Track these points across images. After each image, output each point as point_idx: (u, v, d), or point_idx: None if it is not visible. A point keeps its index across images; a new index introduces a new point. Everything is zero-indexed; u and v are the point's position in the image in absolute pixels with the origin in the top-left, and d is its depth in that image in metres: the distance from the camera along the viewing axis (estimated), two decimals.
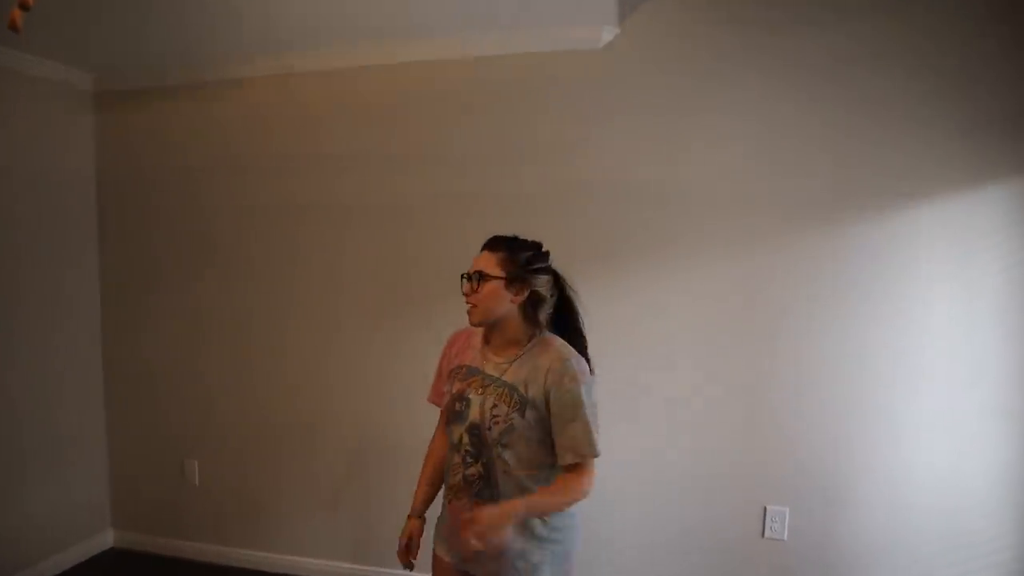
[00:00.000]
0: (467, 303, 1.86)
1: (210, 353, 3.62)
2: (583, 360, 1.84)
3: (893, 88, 2.67)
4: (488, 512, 1.69)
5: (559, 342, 1.86)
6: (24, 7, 1.47)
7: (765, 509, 2.92)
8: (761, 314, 2.88)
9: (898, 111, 2.67)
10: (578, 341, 1.92)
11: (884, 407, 2.78)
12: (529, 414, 1.78)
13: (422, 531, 2.09)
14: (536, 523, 1.81)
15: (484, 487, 1.82)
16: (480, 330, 1.94)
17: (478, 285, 1.83)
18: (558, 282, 1.94)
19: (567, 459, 1.76)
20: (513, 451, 1.79)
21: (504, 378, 1.83)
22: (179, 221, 3.63)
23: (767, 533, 2.92)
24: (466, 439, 1.85)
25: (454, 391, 1.91)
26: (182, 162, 3.59)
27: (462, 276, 1.88)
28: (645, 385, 3.00)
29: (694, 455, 2.98)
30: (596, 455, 1.77)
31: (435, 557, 2.02)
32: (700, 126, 2.88)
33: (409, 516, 2.08)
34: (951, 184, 2.65)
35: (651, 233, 2.96)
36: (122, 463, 3.84)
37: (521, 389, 1.79)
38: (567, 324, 1.94)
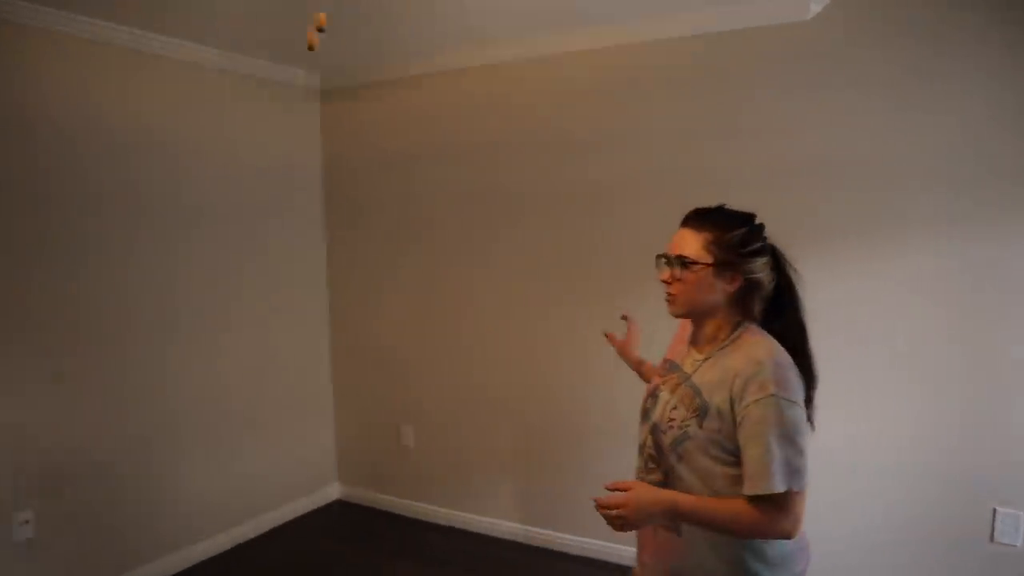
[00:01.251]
0: (666, 292, 1.58)
1: (425, 329, 3.94)
2: (786, 366, 1.45)
3: None
4: (636, 494, 1.47)
5: (760, 339, 1.51)
6: (320, 30, 1.73)
7: (995, 511, 2.68)
8: (992, 298, 2.63)
9: None
10: (797, 336, 1.56)
11: None
12: (708, 424, 1.47)
13: None
14: (746, 556, 1.47)
15: None
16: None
17: (680, 271, 1.54)
18: (777, 263, 1.58)
19: (745, 488, 1.41)
20: (688, 466, 1.50)
21: (693, 378, 1.56)
22: (396, 205, 3.97)
23: (996, 537, 2.68)
24: (649, 441, 1.61)
25: (650, 386, 1.70)
26: (398, 150, 3.92)
27: (659, 257, 1.59)
28: (859, 372, 2.86)
29: (913, 449, 2.80)
30: (774, 491, 1.36)
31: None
32: (919, 96, 2.67)
33: None
34: None
35: (863, 212, 2.80)
36: (346, 425, 4.30)
37: (705, 394, 1.50)
38: (783, 313, 1.57)
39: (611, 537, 3.32)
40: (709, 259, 1.52)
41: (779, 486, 1.36)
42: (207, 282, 3.50)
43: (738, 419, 1.43)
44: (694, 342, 1.63)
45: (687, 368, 1.60)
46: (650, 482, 1.56)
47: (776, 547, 1.48)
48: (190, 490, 3.43)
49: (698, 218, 1.56)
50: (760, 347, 1.48)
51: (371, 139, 4.01)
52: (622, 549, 3.28)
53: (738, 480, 1.43)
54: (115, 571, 3.10)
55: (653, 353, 2.00)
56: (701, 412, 1.49)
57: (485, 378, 3.75)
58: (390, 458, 4.13)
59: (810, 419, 1.50)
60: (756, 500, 1.39)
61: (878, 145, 2.75)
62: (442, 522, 3.94)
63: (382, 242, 4.05)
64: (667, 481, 1.53)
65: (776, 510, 1.38)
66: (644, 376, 1.99)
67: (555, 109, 3.44)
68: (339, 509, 4.23)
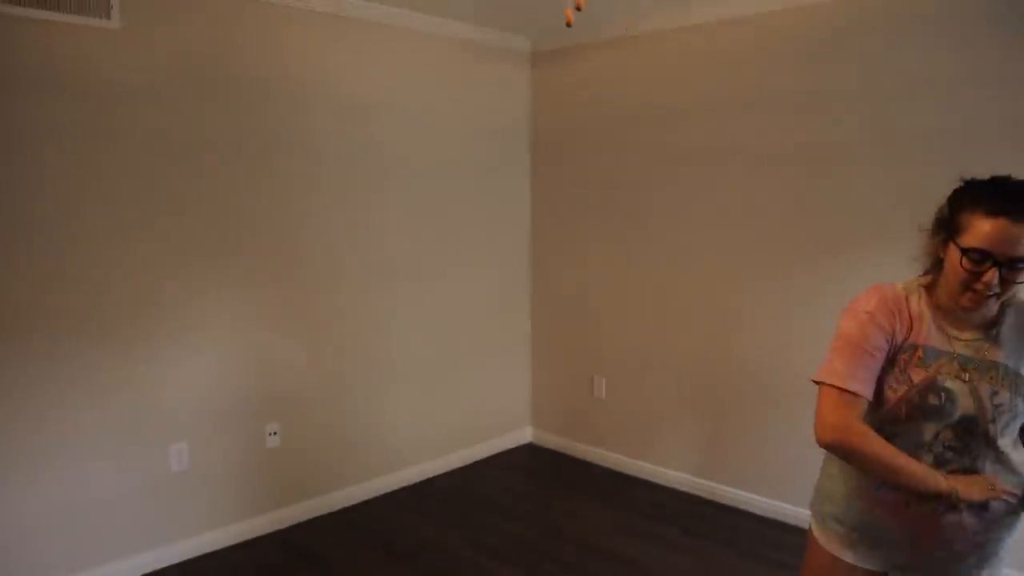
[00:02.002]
0: (984, 294, 1.40)
1: (620, 284, 4.03)
2: None
3: None
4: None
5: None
6: (579, 8, 1.86)
7: None
8: None
9: None
10: None
11: None
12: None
13: None
14: None
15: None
16: (915, 295, 1.53)
17: (1019, 275, 1.37)
18: None
19: None
20: (1009, 438, 1.47)
21: (995, 359, 1.47)
22: (598, 164, 4.06)
23: None
24: (948, 436, 1.47)
25: (918, 381, 1.48)
26: (602, 110, 4.00)
27: (983, 256, 1.36)
28: None
29: None
30: None
31: (845, 568, 1.60)
32: None
33: (951, 491, 1.41)
34: None
35: None
36: (541, 373, 4.53)
37: (1018, 367, 1.46)
38: None
39: (784, 497, 3.34)
40: None
41: None
42: (423, 232, 3.82)
43: None
44: (950, 320, 1.50)
45: (960, 350, 1.48)
46: (948, 472, 1.46)
47: None
48: (400, 423, 3.82)
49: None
50: None
51: (577, 100, 4.11)
52: (788, 508, 3.20)
53: None
54: (339, 483, 3.56)
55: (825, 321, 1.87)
56: (1019, 386, 1.45)
57: (677, 335, 3.77)
58: (582, 407, 4.30)
59: None
60: None
61: None
62: (628, 471, 4.05)
63: (583, 199, 4.16)
64: (971, 467, 1.46)
65: None
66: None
67: (758, 68, 3.33)
68: (530, 451, 4.48)
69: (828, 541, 1.62)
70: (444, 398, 4.05)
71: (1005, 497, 1.41)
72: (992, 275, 1.36)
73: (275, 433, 3.27)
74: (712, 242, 3.60)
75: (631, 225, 3.94)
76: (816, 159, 3.19)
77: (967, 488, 1.39)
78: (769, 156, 3.34)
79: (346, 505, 3.59)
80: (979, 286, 1.38)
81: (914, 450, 1.47)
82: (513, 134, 4.30)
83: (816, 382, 1.50)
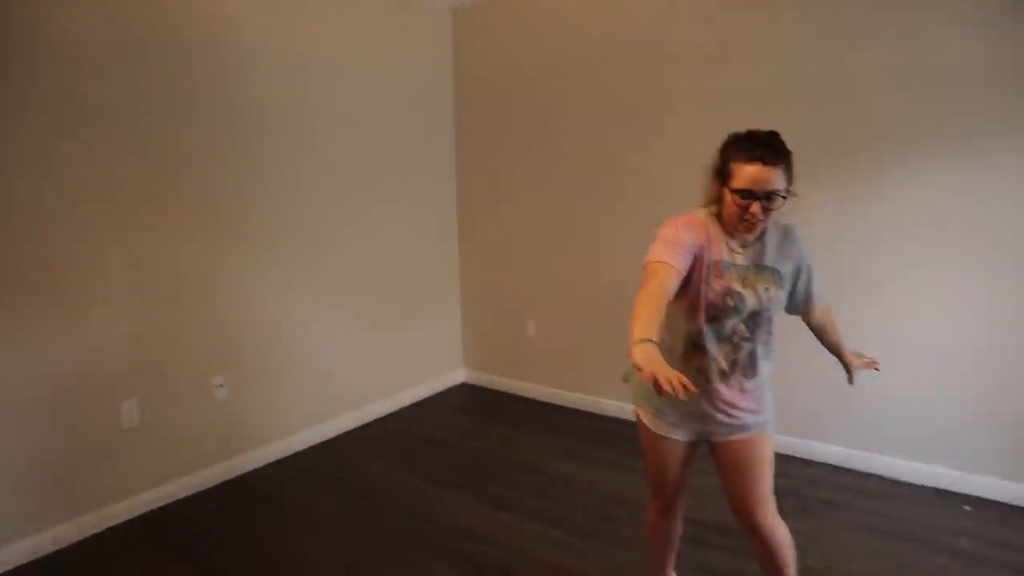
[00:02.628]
0: (753, 222, 1.81)
1: (545, 232, 4.27)
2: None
3: None
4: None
5: (782, 220, 1.92)
6: None
7: None
8: None
9: None
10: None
11: None
12: (785, 286, 1.93)
13: None
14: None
15: (750, 365, 1.96)
16: (711, 221, 1.90)
17: (774, 205, 1.78)
18: None
19: (823, 303, 2.08)
20: (772, 316, 1.94)
21: (765, 263, 1.89)
22: (523, 112, 4.24)
23: None
24: (742, 327, 1.91)
25: (718, 288, 1.87)
26: (524, 61, 4.16)
27: (747, 194, 1.76)
28: (963, 260, 2.98)
29: (1001, 335, 2.93)
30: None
31: (664, 441, 2.06)
32: None
33: (642, 341, 1.52)
34: None
35: (996, 116, 2.84)
36: (471, 317, 4.74)
37: (779, 268, 1.90)
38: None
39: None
40: (786, 187, 1.79)
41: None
42: (353, 185, 3.91)
43: (803, 270, 1.96)
44: (733, 238, 1.89)
45: (741, 262, 1.89)
46: (741, 358, 1.95)
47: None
48: (340, 370, 3.97)
49: (779, 156, 1.76)
50: (788, 222, 1.94)
51: (500, 51, 4.26)
52: None
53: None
54: (287, 430, 3.70)
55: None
56: (781, 282, 1.92)
57: (601, 272, 4.06)
58: (513, 346, 4.56)
59: None
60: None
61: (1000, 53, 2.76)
62: (559, 402, 4.36)
63: (507, 148, 4.35)
64: (754, 350, 1.95)
65: None
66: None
67: (657, 26, 3.57)
68: (465, 390, 4.73)
69: (647, 420, 2.11)
70: (380, 345, 4.22)
71: (646, 381, 1.45)
72: (756, 207, 1.77)
73: (222, 385, 3.36)
74: (632, 185, 3.86)
75: (555, 172, 4.15)
76: (724, 106, 3.47)
77: (643, 359, 1.47)
78: (682, 104, 3.60)
79: (297, 450, 3.74)
80: (748, 216, 1.79)
81: (720, 341, 1.93)
82: (437, 86, 4.41)
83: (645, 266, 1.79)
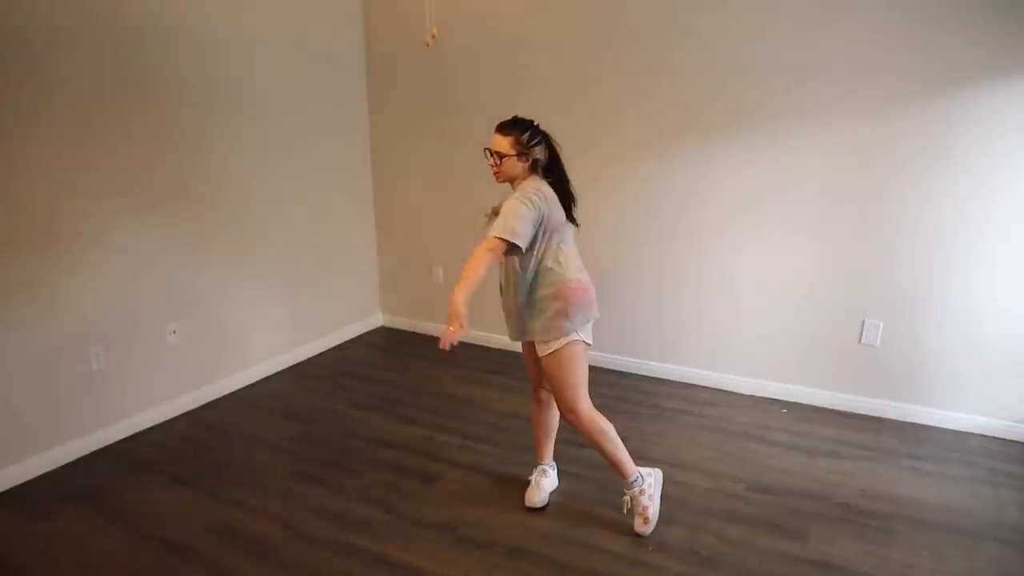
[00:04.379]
0: (493, 169, 2.65)
1: (451, 188, 4.92)
2: (531, 190, 2.55)
3: None
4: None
5: (529, 180, 2.62)
6: (432, 37, 2.87)
7: (863, 321, 3.77)
8: (874, 167, 3.58)
9: (1002, 8, 3.13)
10: (562, 178, 2.68)
11: (966, 248, 3.47)
12: None
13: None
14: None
15: (515, 284, 2.70)
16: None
17: (500, 161, 2.60)
18: (549, 142, 2.66)
19: (490, 235, 2.52)
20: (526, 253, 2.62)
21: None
22: (433, 85, 4.82)
23: (862, 340, 3.79)
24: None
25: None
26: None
27: (486, 150, 2.64)
28: (781, 216, 3.87)
29: (809, 273, 3.86)
30: (499, 236, 2.48)
31: (518, 342, 2.90)
32: (835, 16, 3.47)
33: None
34: None
35: (789, 104, 3.68)
36: (387, 266, 5.40)
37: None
38: (554, 170, 2.68)
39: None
40: (513, 152, 2.60)
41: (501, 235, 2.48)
42: (277, 151, 4.43)
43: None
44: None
45: (492, 210, 2.68)
46: (503, 274, 2.79)
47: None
48: (273, 315, 4.57)
49: (506, 128, 2.61)
50: (529, 183, 2.61)
51: (410, 27, 4.74)
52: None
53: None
54: (230, 369, 4.29)
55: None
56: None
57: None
58: (424, 292, 5.26)
59: (573, 221, 2.71)
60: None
61: (799, 50, 3.58)
62: (465, 340, 5.09)
63: (417, 115, 4.94)
64: (509, 267, 2.72)
65: (485, 244, 2.51)
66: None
67: (553, 11, 4.23)
68: (384, 332, 5.41)
69: None
70: (307, 293, 4.83)
71: (452, 333, 2.38)
72: (490, 160, 2.63)
73: (175, 332, 3.92)
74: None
75: (459, 134, 4.78)
76: (588, 90, 4.20)
77: (452, 307, 2.39)
78: (570, 81, 4.29)
79: (240, 386, 4.35)
80: (490, 166, 2.66)
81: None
82: (351, 62, 4.93)
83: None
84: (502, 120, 2.65)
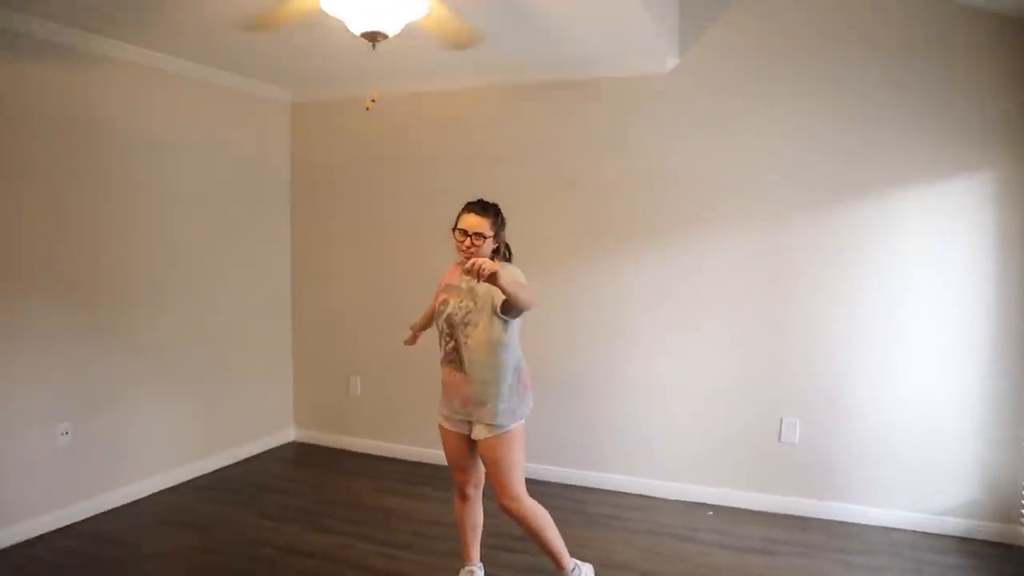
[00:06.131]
0: (468, 251, 2.58)
1: (370, 299, 4.89)
2: (512, 268, 2.65)
3: (888, 101, 3.56)
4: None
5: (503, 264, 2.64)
6: (373, 101, 2.95)
7: (781, 420, 3.87)
8: (783, 272, 3.83)
9: (895, 120, 3.57)
10: (509, 252, 2.79)
11: (877, 346, 3.69)
12: (483, 303, 2.57)
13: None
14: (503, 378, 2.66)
15: (457, 358, 2.62)
16: (459, 262, 2.69)
17: (482, 242, 2.58)
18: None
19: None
20: (473, 328, 2.59)
21: (472, 285, 2.60)
22: (353, 198, 4.90)
23: (781, 438, 3.88)
24: (445, 326, 2.64)
25: (438, 301, 2.72)
26: (355, 153, 4.87)
27: (463, 232, 2.60)
28: (700, 320, 4.03)
29: (727, 376, 3.98)
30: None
31: (441, 430, 2.83)
32: (741, 129, 3.84)
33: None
34: (933, 176, 3.53)
35: (704, 212, 3.95)
36: (302, 377, 5.20)
37: (475, 288, 2.58)
38: (504, 253, 2.77)
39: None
40: (492, 232, 2.63)
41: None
42: (194, 256, 4.33)
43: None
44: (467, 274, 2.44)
45: (464, 286, 2.64)
46: (447, 346, 2.68)
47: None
48: (179, 422, 4.27)
49: (485, 210, 2.64)
50: (505, 266, 2.62)
51: (333, 145, 4.92)
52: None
53: (490, 329, 2.60)
54: (132, 477, 3.92)
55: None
56: (482, 300, 2.59)
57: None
58: (340, 404, 5.06)
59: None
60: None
61: (708, 162, 3.91)
62: (383, 453, 4.89)
63: (338, 227, 4.97)
64: (456, 343, 2.63)
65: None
66: (426, 320, 3.07)
67: (467, 131, 4.50)
68: (296, 447, 5.12)
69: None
70: (217, 402, 4.56)
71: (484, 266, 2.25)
72: (468, 241, 2.58)
73: (67, 433, 3.58)
74: (437, 259, 4.60)
75: (376, 247, 4.83)
76: (515, 196, 4.36)
77: (491, 264, 2.26)
78: (489, 193, 4.42)
79: (138, 497, 3.97)
80: (463, 248, 2.61)
81: (439, 334, 2.71)
82: (277, 173, 4.98)
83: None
84: (470, 201, 2.67)
